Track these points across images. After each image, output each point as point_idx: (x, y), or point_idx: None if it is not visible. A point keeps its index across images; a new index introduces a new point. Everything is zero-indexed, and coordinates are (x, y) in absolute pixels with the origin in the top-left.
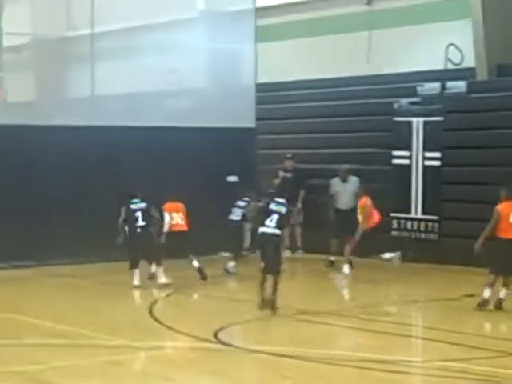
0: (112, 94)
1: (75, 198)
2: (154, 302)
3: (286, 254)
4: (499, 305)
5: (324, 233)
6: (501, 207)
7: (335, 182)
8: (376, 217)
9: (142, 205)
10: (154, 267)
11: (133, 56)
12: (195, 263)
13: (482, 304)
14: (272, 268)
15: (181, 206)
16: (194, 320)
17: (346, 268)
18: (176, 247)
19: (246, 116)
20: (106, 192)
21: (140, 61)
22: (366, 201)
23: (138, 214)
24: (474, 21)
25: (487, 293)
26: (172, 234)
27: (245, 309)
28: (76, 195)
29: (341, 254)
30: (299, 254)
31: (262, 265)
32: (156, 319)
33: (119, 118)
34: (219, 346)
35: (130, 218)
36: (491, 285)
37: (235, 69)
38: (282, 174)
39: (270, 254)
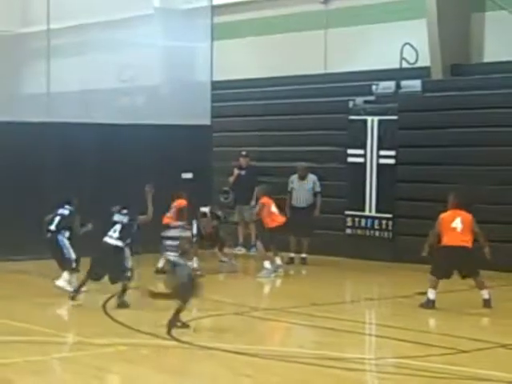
0: (68, 91)
1: (29, 195)
2: (108, 299)
3: (241, 251)
4: (489, 304)
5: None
6: (444, 215)
7: (293, 179)
8: (279, 218)
9: (66, 212)
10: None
11: (88, 53)
12: (160, 263)
13: (426, 304)
14: (114, 277)
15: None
16: (148, 317)
17: (266, 264)
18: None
19: (201, 113)
20: (60, 188)
21: (96, 57)
22: (264, 202)
23: (55, 218)
24: (428, 20)
25: (431, 294)
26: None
27: (200, 306)
28: (30, 192)
29: (299, 251)
30: (253, 251)
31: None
32: (110, 316)
33: (74, 115)
34: (173, 342)
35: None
36: (435, 286)
37: (191, 66)
38: (236, 171)
39: (109, 264)
